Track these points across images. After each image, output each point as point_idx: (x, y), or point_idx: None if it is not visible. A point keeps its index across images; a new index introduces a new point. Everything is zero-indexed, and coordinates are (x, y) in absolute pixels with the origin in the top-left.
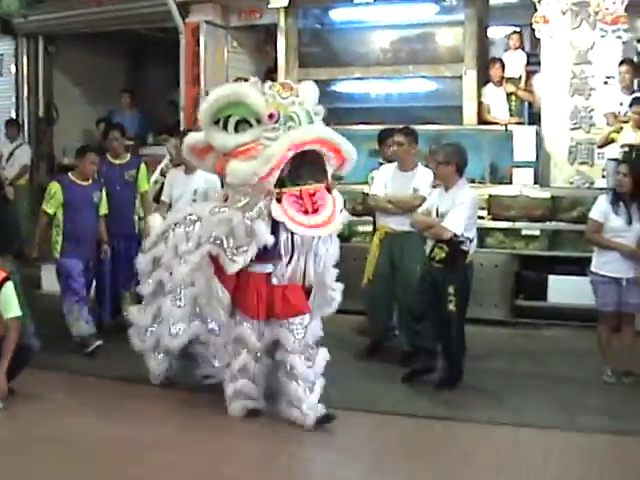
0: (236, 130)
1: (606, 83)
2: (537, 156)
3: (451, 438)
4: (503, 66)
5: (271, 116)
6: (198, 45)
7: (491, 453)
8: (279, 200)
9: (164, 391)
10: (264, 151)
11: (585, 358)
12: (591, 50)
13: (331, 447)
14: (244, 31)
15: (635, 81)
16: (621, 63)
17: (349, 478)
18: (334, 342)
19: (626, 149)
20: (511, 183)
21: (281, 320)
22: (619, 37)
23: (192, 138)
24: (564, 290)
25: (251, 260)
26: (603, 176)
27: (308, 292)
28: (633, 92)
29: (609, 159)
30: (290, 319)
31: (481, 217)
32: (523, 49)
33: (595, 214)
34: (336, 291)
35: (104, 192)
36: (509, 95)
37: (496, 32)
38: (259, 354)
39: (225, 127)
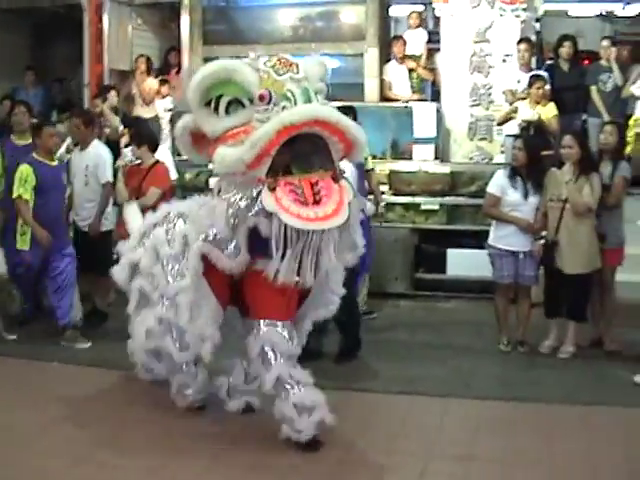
0: (227, 112)
1: (504, 61)
2: (437, 132)
3: (347, 408)
4: (405, 44)
5: (262, 97)
6: (102, 22)
7: (386, 421)
8: (273, 189)
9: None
10: (251, 135)
11: (482, 328)
12: (490, 29)
13: (231, 420)
14: (148, 8)
15: (533, 59)
16: (520, 42)
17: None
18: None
19: (524, 125)
20: (411, 159)
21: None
22: (518, 16)
23: (187, 121)
24: (462, 263)
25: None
26: (502, 152)
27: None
28: (531, 70)
29: (507, 135)
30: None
31: (382, 192)
32: (426, 27)
33: (493, 188)
34: (336, 295)
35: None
36: (411, 72)
37: (400, 10)
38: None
39: (217, 109)
